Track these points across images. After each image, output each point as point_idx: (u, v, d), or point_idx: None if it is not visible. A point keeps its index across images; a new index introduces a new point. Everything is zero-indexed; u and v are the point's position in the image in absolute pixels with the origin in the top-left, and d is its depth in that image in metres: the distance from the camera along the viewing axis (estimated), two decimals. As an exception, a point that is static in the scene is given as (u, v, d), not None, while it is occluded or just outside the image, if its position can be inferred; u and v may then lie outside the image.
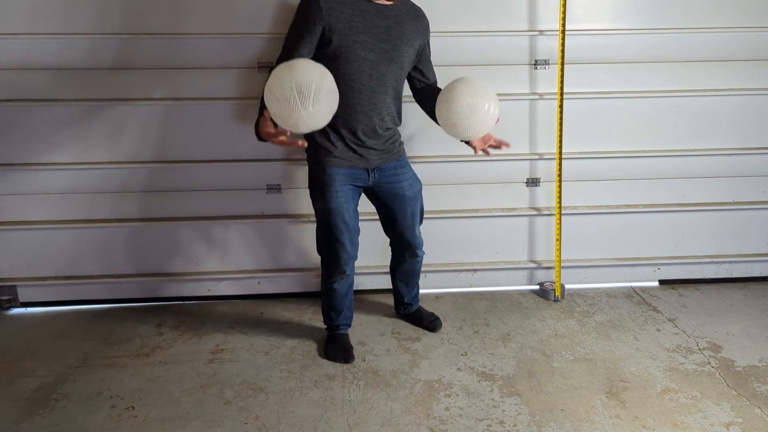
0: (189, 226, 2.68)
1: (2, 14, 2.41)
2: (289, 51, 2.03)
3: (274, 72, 1.81)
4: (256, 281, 2.77)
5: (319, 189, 2.15)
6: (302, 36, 2.01)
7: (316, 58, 1.97)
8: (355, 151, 2.13)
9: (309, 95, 1.73)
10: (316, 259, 2.71)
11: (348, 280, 2.28)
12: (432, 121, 2.24)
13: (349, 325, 2.42)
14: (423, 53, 2.19)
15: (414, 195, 2.27)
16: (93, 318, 2.64)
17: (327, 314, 2.38)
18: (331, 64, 1.96)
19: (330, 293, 2.30)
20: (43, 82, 2.48)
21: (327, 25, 1.99)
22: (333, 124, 2.01)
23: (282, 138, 1.88)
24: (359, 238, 2.26)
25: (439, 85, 2.24)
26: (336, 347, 2.33)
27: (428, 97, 2.21)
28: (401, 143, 2.27)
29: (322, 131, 2.10)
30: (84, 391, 2.12)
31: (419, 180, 2.31)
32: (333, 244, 2.19)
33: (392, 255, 2.45)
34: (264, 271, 2.76)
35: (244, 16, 2.46)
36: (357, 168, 2.15)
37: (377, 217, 2.40)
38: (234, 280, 2.75)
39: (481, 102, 1.95)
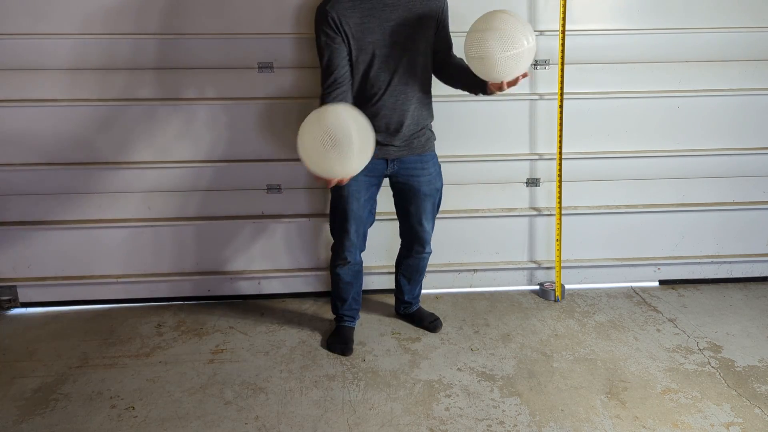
0: (189, 227, 2.67)
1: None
2: (329, 70, 2.06)
3: (306, 125, 1.84)
4: (256, 281, 2.76)
5: None
6: (333, 53, 2.04)
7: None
8: (377, 143, 2.10)
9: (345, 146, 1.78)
10: (316, 259, 2.76)
11: (352, 268, 2.32)
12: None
13: (355, 319, 2.46)
14: (438, 34, 2.15)
15: (430, 192, 2.27)
16: (93, 318, 2.63)
17: (333, 302, 2.44)
18: (352, 63, 2.06)
19: (335, 278, 2.35)
20: (44, 82, 2.48)
21: (343, 33, 2.03)
22: None
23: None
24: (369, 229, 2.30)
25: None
26: (337, 339, 2.37)
27: (444, 67, 2.20)
28: (429, 139, 2.26)
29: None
30: (84, 391, 2.11)
31: (441, 179, 2.31)
32: (339, 230, 2.26)
33: (400, 246, 2.46)
34: (264, 271, 2.75)
35: (243, 16, 2.45)
36: (375, 158, 2.13)
37: (383, 217, 2.40)
38: (234, 281, 2.75)
39: (518, 50, 1.88)
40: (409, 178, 2.22)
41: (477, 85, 2.09)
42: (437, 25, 2.14)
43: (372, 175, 2.18)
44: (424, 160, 2.23)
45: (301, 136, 1.84)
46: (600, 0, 2.56)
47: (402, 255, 2.46)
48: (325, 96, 2.06)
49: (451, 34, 2.22)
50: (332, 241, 2.35)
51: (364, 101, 2.11)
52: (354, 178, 2.13)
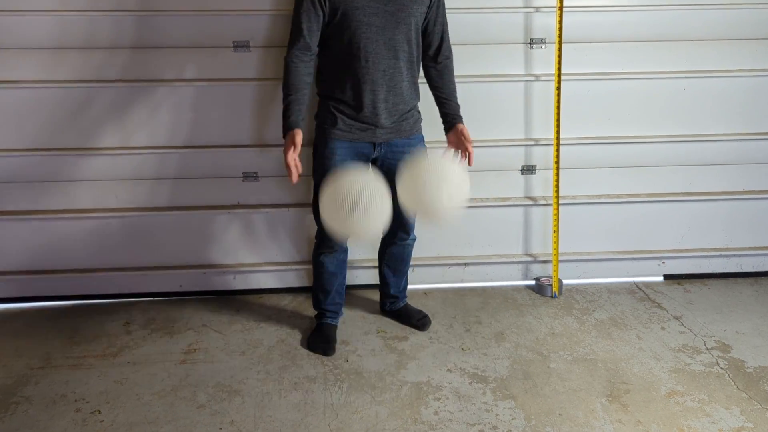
0: (159, 217, 2.63)
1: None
2: (300, 33, 2.06)
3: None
4: (231, 276, 2.72)
5: (319, 160, 2.19)
6: (309, 16, 2.04)
7: (323, 33, 2.07)
8: (363, 123, 2.12)
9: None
10: (296, 252, 2.77)
11: (337, 257, 2.31)
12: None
13: (338, 315, 2.44)
14: (429, 13, 2.13)
15: None
16: (56, 315, 2.61)
17: (315, 296, 2.41)
18: (336, 34, 2.05)
19: (318, 267, 2.34)
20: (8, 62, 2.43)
21: (325, 3, 2.02)
22: (342, 95, 2.10)
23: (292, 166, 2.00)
24: None
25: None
26: (318, 338, 2.35)
27: (432, 78, 2.24)
28: (418, 120, 2.26)
29: (331, 99, 2.14)
30: (47, 393, 2.08)
31: None
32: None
33: (383, 236, 2.42)
34: (240, 265, 2.71)
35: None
36: (362, 141, 2.15)
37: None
38: (208, 275, 2.71)
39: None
40: (397, 162, 2.19)
41: (443, 116, 2.23)
42: (430, 5, 2.11)
43: (358, 159, 2.17)
44: (412, 144, 2.22)
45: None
46: (600, -26, 2.56)
47: (385, 243, 2.43)
48: (293, 58, 2.06)
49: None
50: (314, 231, 2.33)
51: (350, 72, 2.07)
52: (341, 165, 2.15)
